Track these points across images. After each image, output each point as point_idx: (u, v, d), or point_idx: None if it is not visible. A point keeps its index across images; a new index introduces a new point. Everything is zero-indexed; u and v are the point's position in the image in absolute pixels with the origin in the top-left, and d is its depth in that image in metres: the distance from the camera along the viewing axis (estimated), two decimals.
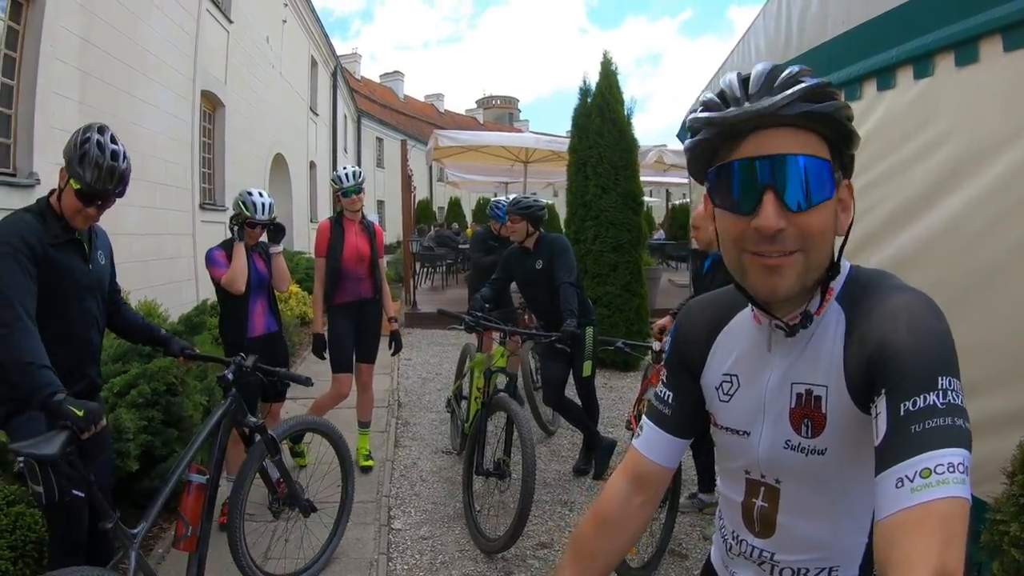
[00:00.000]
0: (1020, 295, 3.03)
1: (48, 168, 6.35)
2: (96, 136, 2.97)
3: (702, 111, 1.17)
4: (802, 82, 1.10)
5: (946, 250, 3.46)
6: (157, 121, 9.36)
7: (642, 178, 9.97)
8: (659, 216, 33.86)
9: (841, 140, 1.15)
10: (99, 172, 2.93)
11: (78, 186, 2.94)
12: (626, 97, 9.69)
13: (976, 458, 2.83)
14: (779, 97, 1.09)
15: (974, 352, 3.19)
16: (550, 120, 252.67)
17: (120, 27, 8.19)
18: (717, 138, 1.16)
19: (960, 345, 2.97)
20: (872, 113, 4.06)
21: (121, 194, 3.10)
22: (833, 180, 1.13)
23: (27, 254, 2.80)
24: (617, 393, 8.28)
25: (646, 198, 18.46)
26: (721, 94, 1.16)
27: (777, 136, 1.11)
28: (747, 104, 1.11)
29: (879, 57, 3.94)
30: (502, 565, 4.19)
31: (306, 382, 3.68)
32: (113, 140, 3.02)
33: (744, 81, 1.14)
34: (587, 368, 5.42)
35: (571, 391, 5.63)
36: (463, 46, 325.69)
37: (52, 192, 3.07)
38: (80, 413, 2.58)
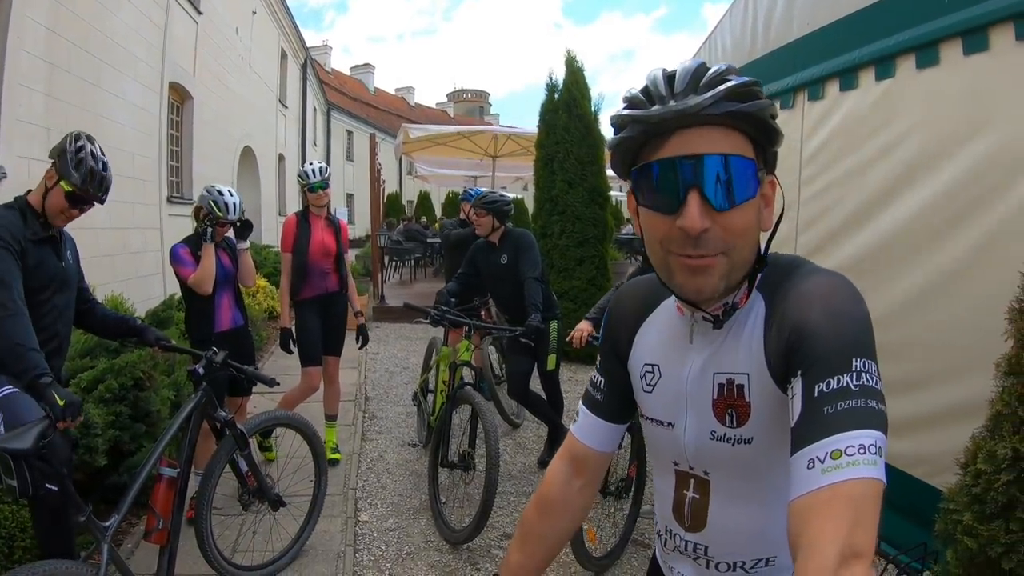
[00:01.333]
0: (974, 292, 3.13)
1: (15, 161, 6.28)
2: (89, 146, 3.19)
3: (626, 108, 1.17)
4: (728, 81, 1.10)
5: (905, 248, 3.55)
6: (125, 113, 9.24)
7: (611, 173, 10.05)
8: (628, 211, 33.91)
9: (765, 138, 1.15)
10: (93, 179, 3.17)
11: (69, 188, 3.13)
12: (594, 93, 9.77)
13: (931, 450, 2.96)
14: (704, 96, 1.08)
15: (931, 347, 3.33)
16: (522, 115, 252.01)
17: (87, 17, 8.07)
18: (641, 136, 1.15)
19: (918, 339, 3.11)
20: (834, 113, 4.15)
21: (103, 201, 3.30)
22: (757, 179, 1.14)
23: (15, 247, 2.95)
24: (583, 386, 8.27)
25: (616, 192, 18.59)
26: (646, 91, 1.15)
27: (702, 135, 1.10)
28: (672, 103, 1.10)
29: (842, 58, 4.03)
30: (467, 555, 4.26)
31: (271, 383, 3.69)
32: (101, 151, 3.25)
33: (670, 78, 1.13)
34: (551, 362, 5.49)
35: (536, 384, 5.70)
36: (437, 39, 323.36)
37: (29, 191, 3.23)
38: (61, 403, 2.68)
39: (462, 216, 7.90)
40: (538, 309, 4.89)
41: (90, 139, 3.23)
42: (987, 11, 3.07)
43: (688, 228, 1.09)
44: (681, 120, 1.10)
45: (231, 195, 4.64)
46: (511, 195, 5.99)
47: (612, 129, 1.21)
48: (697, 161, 1.09)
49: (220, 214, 4.57)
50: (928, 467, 3.24)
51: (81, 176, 3.12)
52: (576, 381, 8.58)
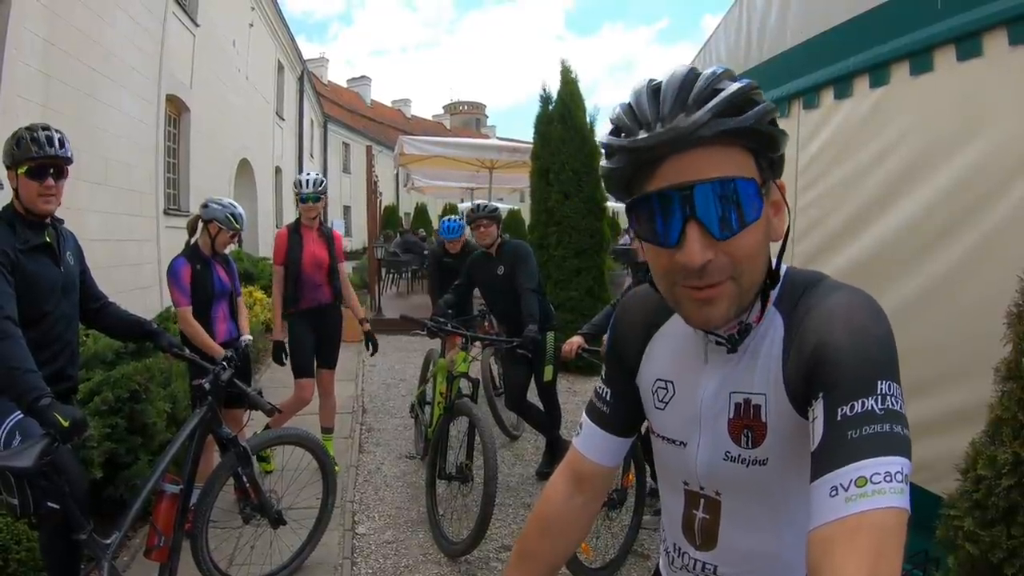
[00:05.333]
0: (972, 296, 3.11)
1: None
2: (22, 128, 3.13)
3: (612, 132, 1.10)
4: (720, 91, 1.02)
5: (902, 254, 3.54)
6: (121, 125, 9.27)
7: None
8: (625, 221, 33.92)
9: (767, 147, 1.07)
10: (38, 145, 3.06)
11: (25, 168, 3.04)
12: (591, 104, 9.80)
13: (932, 455, 2.93)
14: (695, 116, 1.00)
15: (930, 352, 3.30)
16: (522, 126, 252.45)
17: (84, 29, 8.11)
18: (630, 167, 1.07)
19: (916, 346, 3.07)
20: (830, 121, 4.14)
21: (68, 159, 3.19)
22: (760, 197, 1.05)
23: (3, 261, 2.86)
24: (580, 397, 8.31)
25: (612, 203, 18.60)
26: (631, 112, 1.07)
27: (696, 159, 1.02)
28: (659, 127, 1.01)
29: (836, 66, 4.02)
30: (465, 568, 4.24)
31: (271, 412, 3.63)
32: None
33: (654, 93, 1.05)
34: (548, 373, 5.48)
35: (534, 396, 5.68)
36: (440, 51, 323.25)
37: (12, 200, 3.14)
38: (65, 424, 2.58)
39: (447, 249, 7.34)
40: (536, 321, 4.88)
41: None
42: (980, 17, 3.08)
43: (689, 264, 1.03)
44: (672, 146, 1.02)
45: (237, 207, 4.78)
46: (507, 206, 5.98)
47: (603, 153, 1.13)
48: (692, 191, 1.02)
49: (237, 227, 4.72)
50: (928, 473, 3.22)
51: (29, 148, 3.04)
52: (573, 392, 8.57)
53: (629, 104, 1.08)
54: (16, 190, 3.09)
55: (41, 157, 3.06)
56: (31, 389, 2.65)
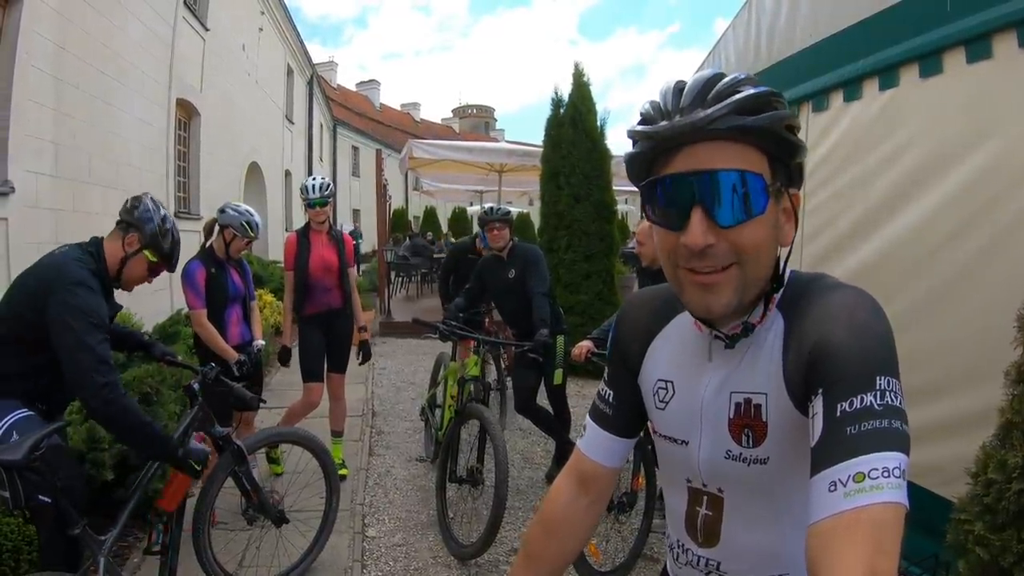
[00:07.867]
0: (982, 299, 3.11)
1: (23, 176, 6.34)
2: (166, 213, 3.26)
3: (639, 123, 1.15)
4: (738, 92, 1.07)
5: (910, 257, 3.53)
6: (132, 129, 9.31)
7: (617, 187, 10.04)
8: (634, 224, 33.89)
9: (781, 151, 1.12)
10: (176, 250, 3.26)
11: (155, 259, 3.18)
12: (602, 108, 9.76)
13: (941, 459, 2.92)
14: (711, 110, 1.06)
15: (939, 355, 3.30)
16: (533, 129, 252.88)
17: (95, 34, 8.15)
18: (650, 152, 1.13)
19: (925, 348, 3.05)
20: (839, 124, 4.14)
21: (174, 270, 3.45)
22: (767, 194, 1.09)
23: (104, 330, 2.94)
24: (590, 401, 8.21)
25: (621, 206, 18.56)
26: (656, 104, 1.13)
27: (709, 150, 1.08)
28: (678, 117, 1.08)
29: (846, 69, 4.02)
30: (475, 571, 4.24)
31: (254, 404, 3.72)
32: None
33: (679, 91, 1.11)
34: (558, 376, 5.47)
35: (544, 400, 5.67)
36: (453, 55, 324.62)
37: (100, 240, 3.19)
38: (198, 467, 3.00)
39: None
40: (547, 324, 4.88)
41: (162, 205, 3.30)
42: (989, 19, 3.07)
43: (691, 245, 1.08)
44: (687, 135, 1.08)
45: (254, 215, 4.82)
46: (517, 209, 6.00)
47: (631, 143, 1.20)
48: (701, 177, 1.08)
49: (252, 235, 4.77)
50: (938, 477, 3.21)
51: (170, 248, 3.18)
52: (583, 395, 8.53)
53: (656, 99, 1.14)
54: (127, 254, 3.16)
55: (166, 267, 3.27)
56: (168, 443, 2.94)
